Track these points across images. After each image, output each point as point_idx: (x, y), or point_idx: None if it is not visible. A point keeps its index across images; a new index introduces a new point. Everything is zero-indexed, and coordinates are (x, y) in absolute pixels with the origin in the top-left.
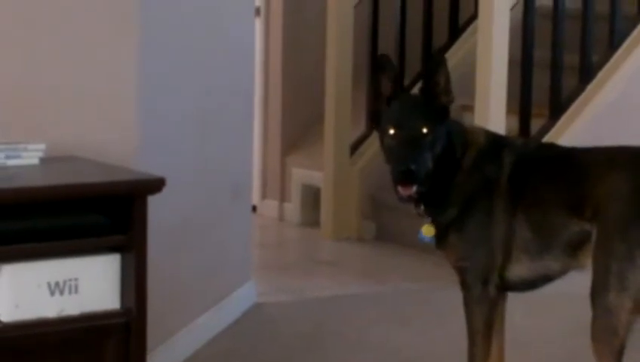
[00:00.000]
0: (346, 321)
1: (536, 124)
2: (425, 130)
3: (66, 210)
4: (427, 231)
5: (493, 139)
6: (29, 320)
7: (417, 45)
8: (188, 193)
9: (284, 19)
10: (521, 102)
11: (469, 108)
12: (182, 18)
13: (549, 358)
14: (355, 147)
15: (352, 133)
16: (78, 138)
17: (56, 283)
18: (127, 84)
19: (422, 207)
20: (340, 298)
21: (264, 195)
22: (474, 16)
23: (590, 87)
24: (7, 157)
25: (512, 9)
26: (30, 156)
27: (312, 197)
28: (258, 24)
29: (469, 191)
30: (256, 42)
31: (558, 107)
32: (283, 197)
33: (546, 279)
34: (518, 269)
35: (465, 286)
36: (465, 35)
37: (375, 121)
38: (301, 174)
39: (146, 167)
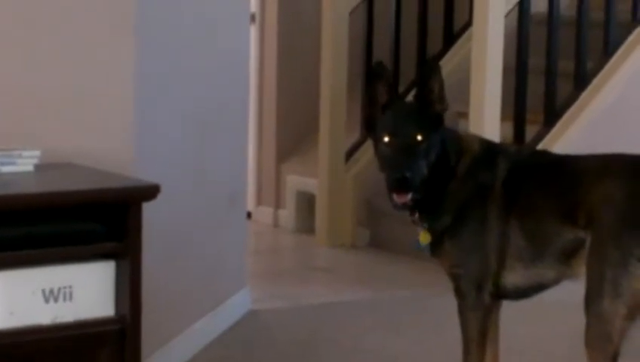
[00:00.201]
0: (340, 328)
1: (530, 131)
2: (419, 138)
3: (61, 217)
4: (424, 238)
5: (488, 146)
6: (24, 327)
7: (412, 52)
8: (183, 200)
9: (279, 25)
10: (516, 108)
11: (464, 114)
12: (178, 26)
13: None
14: (349, 154)
15: (346, 140)
16: (74, 145)
17: (51, 290)
18: (124, 92)
19: (416, 215)
20: (334, 305)
21: (259, 202)
22: (469, 23)
23: (585, 93)
24: (2, 163)
25: (506, 16)
26: (25, 163)
27: (306, 203)
28: (253, 31)
29: (463, 198)
30: (251, 49)
31: (552, 114)
32: (278, 204)
33: (539, 287)
34: (512, 277)
35: (459, 293)
36: (460, 42)
37: (369, 129)
38: (296, 181)
39: (141, 174)
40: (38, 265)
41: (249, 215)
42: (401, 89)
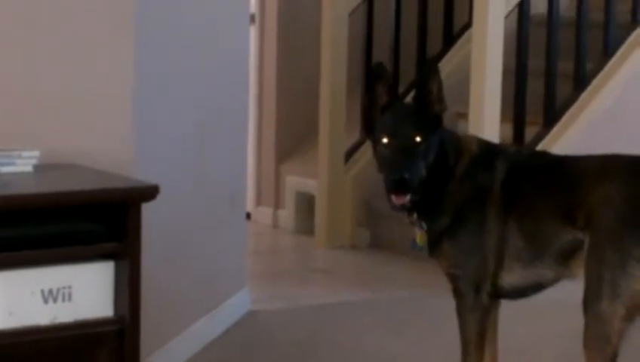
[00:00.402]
0: (340, 329)
1: (530, 132)
2: (418, 139)
3: (60, 218)
4: (421, 239)
5: (486, 147)
6: (23, 328)
7: (412, 53)
8: (183, 200)
9: (278, 26)
10: (516, 109)
11: (464, 115)
12: (178, 27)
13: None
14: (349, 155)
15: (346, 141)
16: (73, 145)
17: (50, 291)
18: (123, 92)
19: (415, 216)
20: (334, 305)
21: (258, 202)
22: (468, 24)
23: (584, 95)
24: (1, 164)
25: (506, 17)
26: (24, 163)
27: (306, 204)
28: (253, 32)
29: (462, 199)
30: (251, 49)
31: (552, 115)
32: (277, 205)
33: (538, 287)
34: (511, 277)
35: (457, 294)
36: (459, 43)
37: (369, 130)
38: (295, 182)
39: (140, 174)
40: (37, 266)
41: (248, 215)
42: (400, 90)
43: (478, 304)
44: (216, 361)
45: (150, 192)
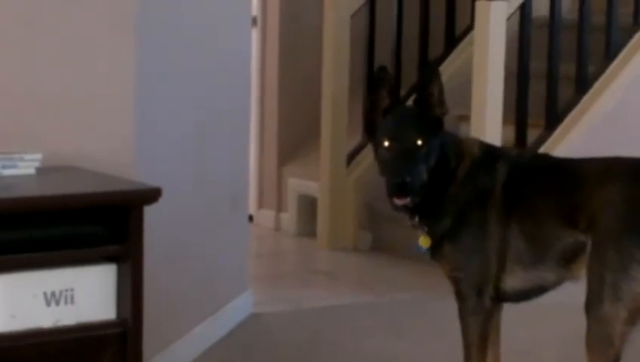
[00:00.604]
0: (342, 331)
1: (532, 135)
2: (419, 142)
3: (62, 220)
4: (424, 241)
5: (487, 150)
6: (25, 331)
7: (414, 55)
8: (185, 203)
9: (280, 29)
10: (518, 112)
11: (466, 118)
12: (179, 29)
13: None
14: (351, 157)
15: (348, 144)
16: (75, 148)
17: (52, 294)
18: (125, 95)
19: (416, 219)
20: (336, 308)
21: (260, 205)
22: (470, 27)
23: (586, 97)
24: (4, 167)
25: (508, 20)
26: (26, 166)
27: (308, 207)
28: (255, 34)
29: (463, 201)
30: (253, 52)
31: (554, 118)
32: (279, 207)
33: (540, 290)
34: (512, 280)
35: (460, 296)
36: (461, 46)
37: (370, 133)
38: (297, 184)
39: (142, 177)
40: (39, 268)
41: (250, 218)
42: (402, 93)
43: (481, 307)
44: None
45: (152, 195)
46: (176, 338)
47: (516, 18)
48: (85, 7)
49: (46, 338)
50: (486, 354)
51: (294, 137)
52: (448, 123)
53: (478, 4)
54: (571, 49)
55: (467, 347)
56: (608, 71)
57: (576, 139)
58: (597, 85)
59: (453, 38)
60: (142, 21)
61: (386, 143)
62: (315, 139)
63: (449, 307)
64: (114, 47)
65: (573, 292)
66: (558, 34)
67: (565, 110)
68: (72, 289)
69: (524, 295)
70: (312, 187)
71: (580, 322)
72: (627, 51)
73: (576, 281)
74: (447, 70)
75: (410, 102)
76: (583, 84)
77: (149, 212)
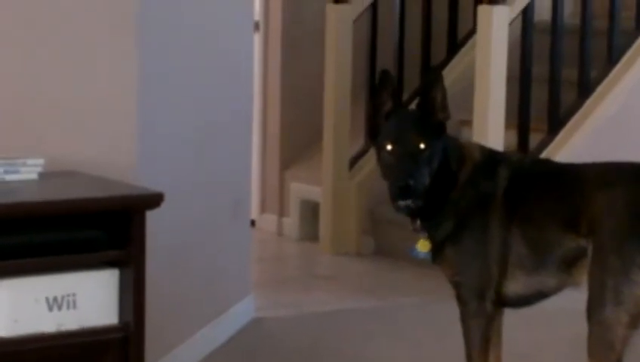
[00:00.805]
0: (344, 336)
1: (534, 139)
2: (422, 146)
3: (65, 225)
4: (422, 246)
5: (489, 154)
6: (28, 335)
7: (416, 60)
8: (187, 208)
9: (282, 33)
10: (520, 117)
11: (468, 123)
12: (181, 34)
13: None
14: (353, 162)
15: (350, 148)
16: (78, 153)
17: (55, 298)
18: (127, 100)
19: (418, 223)
20: (338, 312)
21: (263, 210)
22: (473, 32)
23: (589, 101)
24: (6, 172)
25: (510, 24)
26: (29, 171)
27: (310, 211)
28: (257, 39)
29: (465, 206)
30: (255, 57)
31: (556, 122)
32: (282, 212)
33: (541, 295)
34: (514, 285)
35: (461, 301)
36: (464, 50)
37: (373, 137)
38: (300, 189)
39: (145, 182)
40: (41, 273)
41: (253, 223)
42: (405, 97)
43: (482, 311)
44: None
45: (155, 200)
46: (178, 342)
47: (518, 23)
48: (86, 13)
49: (48, 343)
50: (487, 357)
51: (297, 142)
52: (450, 127)
53: (480, 9)
54: (574, 53)
55: (469, 350)
56: (611, 75)
57: (579, 143)
58: (599, 89)
59: (456, 43)
60: (144, 29)
61: (389, 147)
62: (318, 143)
63: (451, 311)
64: (115, 52)
65: (574, 297)
66: (560, 38)
67: (568, 114)
68: (74, 294)
69: (525, 300)
70: (314, 191)
71: (581, 326)
72: (630, 55)
73: (577, 287)
74: (450, 74)
75: (412, 106)
76: (585, 88)
77: (152, 217)
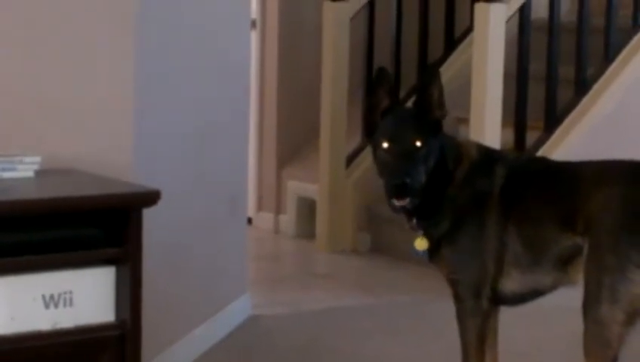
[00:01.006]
0: (341, 334)
1: (531, 137)
2: (418, 144)
3: (61, 223)
4: (420, 244)
5: (485, 152)
6: (24, 333)
7: (413, 57)
8: (184, 205)
9: (279, 31)
10: (517, 114)
11: (465, 120)
12: (178, 31)
13: None
14: (350, 159)
15: (347, 146)
16: (74, 151)
17: (51, 296)
18: (124, 98)
19: (414, 221)
20: (335, 310)
21: (259, 208)
22: (469, 29)
23: (585, 99)
24: (3, 169)
25: (507, 22)
26: (26, 169)
27: (307, 209)
28: (254, 37)
29: (462, 204)
30: (252, 55)
31: (553, 120)
32: (278, 210)
33: (536, 293)
34: (510, 283)
35: (457, 299)
36: (461, 48)
37: (369, 134)
38: (296, 186)
39: (141, 179)
40: (38, 271)
41: (249, 220)
42: (402, 94)
43: (478, 309)
44: None
45: (151, 197)
46: (174, 340)
47: (515, 20)
48: (85, 11)
49: (45, 341)
50: (484, 355)
51: (293, 139)
52: (447, 125)
53: (477, 7)
54: (570, 51)
55: (465, 348)
56: (607, 73)
57: (576, 141)
58: (596, 87)
59: (453, 40)
60: (142, 27)
61: (385, 144)
62: (315, 141)
63: (447, 309)
64: (113, 49)
65: (571, 294)
66: (557, 36)
67: (564, 112)
68: (70, 292)
69: (521, 298)
70: (311, 189)
71: (578, 323)
72: (626, 53)
73: (572, 286)
74: (447, 72)
75: (409, 103)
76: (582, 86)
77: (148, 214)
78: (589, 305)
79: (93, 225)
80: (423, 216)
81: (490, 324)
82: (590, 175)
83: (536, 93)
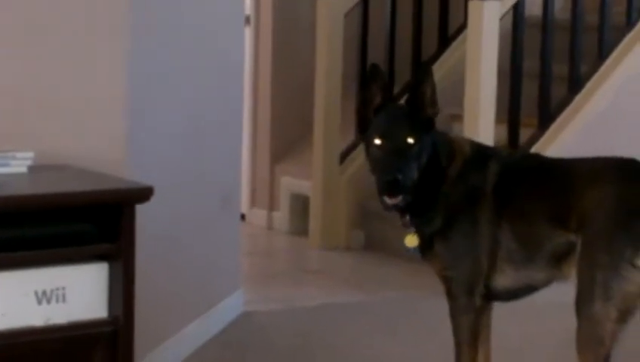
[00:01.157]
0: (334, 330)
1: (525, 134)
2: (410, 141)
3: (54, 219)
4: (410, 241)
5: (479, 149)
6: (16, 329)
7: (407, 54)
8: (177, 201)
9: (273, 28)
10: (510, 111)
11: (459, 117)
12: (172, 28)
13: None
14: (344, 156)
15: (341, 142)
16: (67, 146)
17: (44, 292)
18: (117, 93)
19: (407, 218)
20: (328, 307)
21: (253, 204)
22: (463, 26)
23: (579, 97)
24: None
25: (501, 19)
26: (18, 164)
27: (300, 206)
28: (248, 33)
29: (455, 201)
30: (246, 51)
31: (547, 117)
32: (272, 206)
33: (529, 289)
34: (503, 279)
35: (451, 296)
36: (454, 45)
37: (362, 131)
38: (290, 183)
39: (135, 175)
40: (31, 267)
41: (243, 217)
42: (395, 90)
43: (471, 306)
44: None
45: (144, 193)
46: (167, 336)
47: (509, 17)
48: (79, 8)
49: (37, 337)
50: (477, 352)
51: (287, 136)
52: (441, 122)
53: (471, 4)
54: (564, 48)
55: (458, 345)
56: (601, 70)
57: (569, 138)
58: (589, 85)
59: (447, 37)
60: (135, 22)
61: (377, 141)
62: (308, 137)
63: (440, 305)
64: (106, 45)
65: (564, 290)
66: (550, 33)
67: (558, 109)
68: (63, 288)
69: (514, 294)
70: (304, 186)
71: (571, 319)
72: (620, 51)
73: (565, 281)
74: (440, 69)
75: (403, 100)
76: (575, 83)
77: (141, 210)
78: (582, 303)
79: (86, 221)
80: (416, 212)
81: (483, 321)
82: (583, 172)
83: (529, 90)
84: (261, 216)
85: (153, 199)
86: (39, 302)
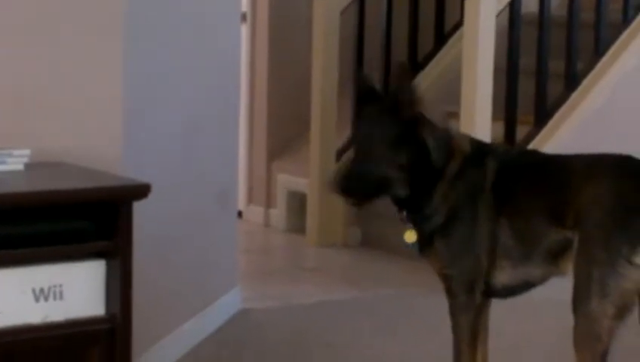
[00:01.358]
0: (331, 328)
1: (521, 131)
2: (380, 145)
3: (51, 216)
4: (409, 236)
5: (478, 146)
6: (14, 326)
7: (403, 51)
8: (174, 199)
9: (270, 25)
10: (507, 109)
11: (455, 115)
12: (168, 24)
13: None
14: (340, 153)
15: (337, 140)
16: (64, 144)
17: (41, 289)
18: (114, 91)
19: (404, 213)
20: (325, 304)
21: (250, 201)
22: (460, 23)
23: (575, 94)
24: None
25: (497, 16)
26: (15, 162)
27: (297, 203)
28: (244, 30)
29: (454, 198)
30: (242, 48)
31: (543, 114)
32: (269, 203)
33: (527, 286)
34: (501, 276)
35: (450, 294)
36: (450, 42)
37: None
38: (287, 180)
39: (131, 173)
40: (28, 264)
41: (240, 214)
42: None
43: (471, 303)
44: (207, 360)
45: (142, 191)
46: (165, 334)
47: (506, 14)
48: (74, 6)
49: (35, 335)
50: (476, 349)
51: (284, 133)
52: (438, 119)
53: (467, 1)
54: (560, 45)
55: (457, 343)
56: (597, 67)
57: (566, 135)
58: (586, 82)
59: (443, 35)
60: (131, 20)
61: (353, 142)
62: (305, 135)
63: (438, 303)
64: (102, 44)
65: (562, 287)
66: (547, 30)
67: (554, 106)
68: (60, 285)
69: (511, 290)
70: (301, 183)
71: (568, 316)
72: (616, 48)
73: (562, 276)
74: (437, 66)
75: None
76: (572, 80)
77: (138, 208)
78: (579, 300)
79: (83, 219)
80: (415, 210)
81: (482, 319)
82: (581, 168)
83: (526, 87)
84: (258, 214)
85: (150, 197)
86: (37, 300)
